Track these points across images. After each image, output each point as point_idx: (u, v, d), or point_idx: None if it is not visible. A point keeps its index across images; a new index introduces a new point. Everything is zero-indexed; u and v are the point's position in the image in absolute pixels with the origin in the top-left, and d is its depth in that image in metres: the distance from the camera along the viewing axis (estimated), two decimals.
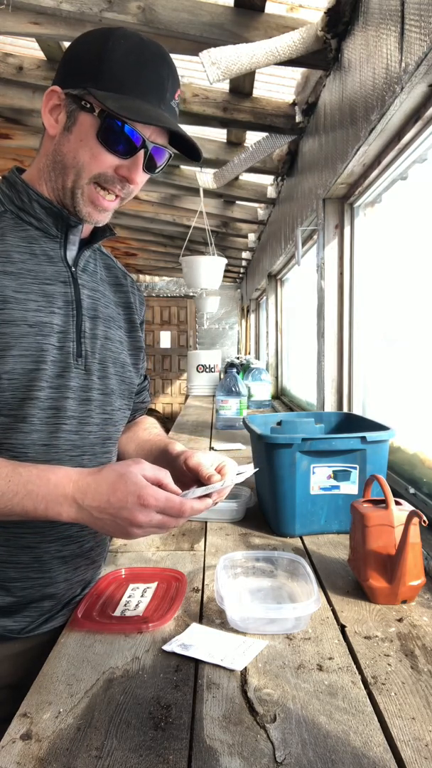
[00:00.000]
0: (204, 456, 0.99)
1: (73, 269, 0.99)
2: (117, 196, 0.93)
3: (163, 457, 1.08)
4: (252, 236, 5.15)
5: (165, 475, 0.85)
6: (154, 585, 1.08)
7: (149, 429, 1.24)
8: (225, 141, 3.04)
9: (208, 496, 0.88)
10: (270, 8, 1.78)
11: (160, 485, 0.83)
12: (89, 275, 1.04)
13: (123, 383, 1.08)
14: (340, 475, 1.35)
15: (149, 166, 0.92)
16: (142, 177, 0.92)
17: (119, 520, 0.79)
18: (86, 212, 0.93)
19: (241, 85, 2.30)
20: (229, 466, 0.98)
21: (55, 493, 0.81)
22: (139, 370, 1.16)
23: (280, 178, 3.23)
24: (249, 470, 1.01)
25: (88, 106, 0.86)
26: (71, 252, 0.99)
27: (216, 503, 0.92)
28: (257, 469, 1.23)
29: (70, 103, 0.88)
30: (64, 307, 0.96)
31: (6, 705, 0.80)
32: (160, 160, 0.94)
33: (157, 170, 0.95)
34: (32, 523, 0.94)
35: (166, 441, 1.13)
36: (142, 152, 0.89)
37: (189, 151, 0.94)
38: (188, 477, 0.98)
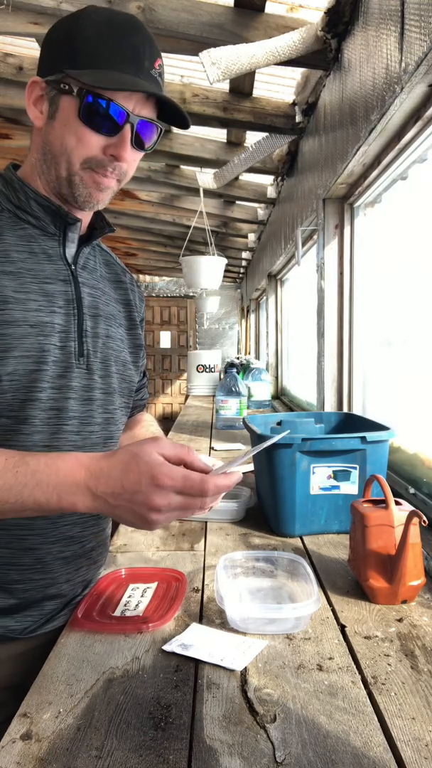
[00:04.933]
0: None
1: (73, 267, 0.98)
2: (113, 178, 0.91)
3: None
4: (252, 236, 5.15)
5: (188, 452, 0.76)
6: (154, 585, 1.08)
7: (147, 427, 1.25)
8: (225, 141, 3.04)
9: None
10: (270, 8, 1.78)
11: (182, 463, 0.76)
12: (89, 272, 1.03)
13: (123, 381, 1.08)
14: (340, 475, 1.35)
15: (139, 143, 0.90)
16: (132, 154, 0.90)
17: (135, 506, 0.72)
18: (86, 194, 0.91)
19: (241, 85, 2.30)
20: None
21: (66, 482, 0.74)
22: (139, 368, 1.16)
23: (280, 178, 3.23)
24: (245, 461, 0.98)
25: (67, 87, 0.85)
26: (70, 250, 0.98)
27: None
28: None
29: (50, 90, 0.87)
30: (65, 306, 0.95)
31: (8, 706, 0.80)
32: (148, 135, 0.91)
33: (148, 148, 0.93)
34: (35, 524, 0.94)
35: None
36: (128, 127, 0.87)
37: (178, 121, 0.93)
38: None
